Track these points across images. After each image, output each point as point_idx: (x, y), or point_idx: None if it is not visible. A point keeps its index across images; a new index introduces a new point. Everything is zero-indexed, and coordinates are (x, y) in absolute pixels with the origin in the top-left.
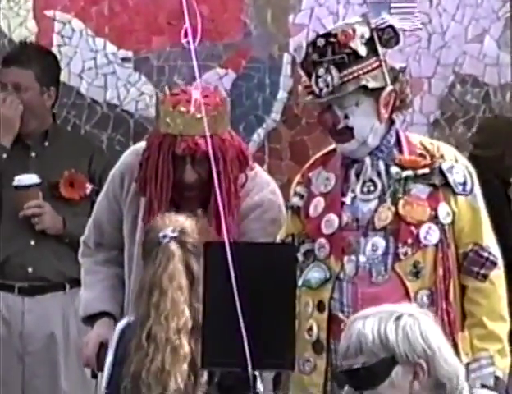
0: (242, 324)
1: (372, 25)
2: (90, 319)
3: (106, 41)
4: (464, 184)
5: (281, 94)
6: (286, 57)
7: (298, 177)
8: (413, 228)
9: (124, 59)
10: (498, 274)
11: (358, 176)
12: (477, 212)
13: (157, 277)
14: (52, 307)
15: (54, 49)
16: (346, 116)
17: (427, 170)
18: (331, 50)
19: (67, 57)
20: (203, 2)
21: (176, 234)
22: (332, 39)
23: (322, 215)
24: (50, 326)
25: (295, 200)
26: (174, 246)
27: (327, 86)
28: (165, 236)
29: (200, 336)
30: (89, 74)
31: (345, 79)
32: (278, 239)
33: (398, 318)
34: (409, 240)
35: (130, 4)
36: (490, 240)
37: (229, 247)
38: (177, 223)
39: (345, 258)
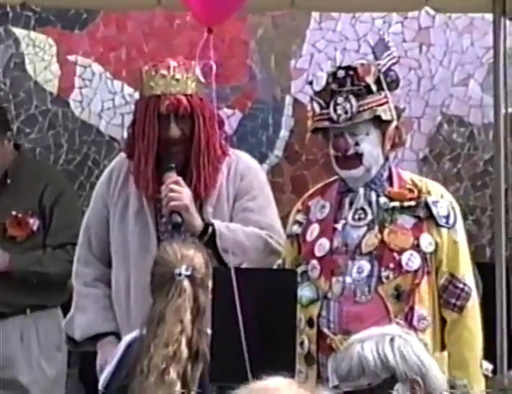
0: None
1: (379, 67)
2: (89, 341)
3: (123, 83)
4: (447, 217)
5: (283, 133)
6: (288, 99)
7: (298, 205)
8: (395, 254)
9: None
10: (473, 305)
11: (351, 204)
12: (456, 244)
13: (166, 310)
14: (12, 329)
15: (76, 91)
16: (357, 144)
17: (413, 203)
18: (350, 81)
19: (88, 98)
20: (212, 48)
21: (189, 272)
22: (351, 72)
23: (316, 239)
24: (8, 347)
25: (295, 228)
26: (186, 283)
27: (346, 113)
28: (180, 274)
29: (203, 362)
30: (108, 113)
31: (362, 108)
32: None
33: (392, 339)
34: (391, 265)
35: (145, 50)
36: (466, 272)
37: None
38: (188, 259)
39: (334, 279)
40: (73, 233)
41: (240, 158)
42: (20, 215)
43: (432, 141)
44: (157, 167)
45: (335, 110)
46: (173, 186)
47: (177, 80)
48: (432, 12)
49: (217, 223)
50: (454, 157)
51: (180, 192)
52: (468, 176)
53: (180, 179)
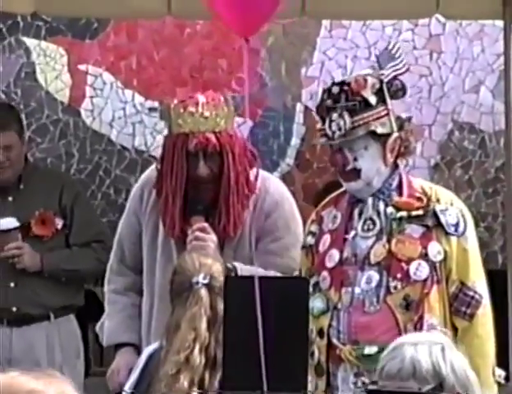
0: (262, 350)
1: (382, 77)
2: (112, 347)
3: (134, 92)
4: (457, 225)
5: (294, 141)
6: (299, 107)
7: (312, 215)
8: (403, 264)
9: (151, 109)
10: (483, 312)
11: (360, 214)
12: (466, 252)
13: (182, 318)
14: (37, 336)
15: (87, 100)
16: (355, 159)
17: (420, 212)
18: (344, 97)
19: (99, 108)
20: (222, 56)
21: (207, 281)
22: (346, 87)
23: (327, 250)
24: (35, 353)
25: (309, 239)
26: (203, 292)
27: (340, 130)
28: (197, 283)
29: (219, 369)
30: (119, 122)
31: (356, 124)
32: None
33: (442, 348)
34: (399, 275)
35: (156, 59)
36: (477, 280)
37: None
38: (206, 268)
39: (343, 290)
40: (96, 231)
41: (268, 193)
42: (44, 213)
43: (443, 148)
44: (185, 203)
45: (330, 126)
46: (198, 234)
47: (206, 117)
48: (443, 19)
49: (240, 269)
50: (465, 164)
51: (205, 240)
52: (479, 183)
53: (206, 226)
